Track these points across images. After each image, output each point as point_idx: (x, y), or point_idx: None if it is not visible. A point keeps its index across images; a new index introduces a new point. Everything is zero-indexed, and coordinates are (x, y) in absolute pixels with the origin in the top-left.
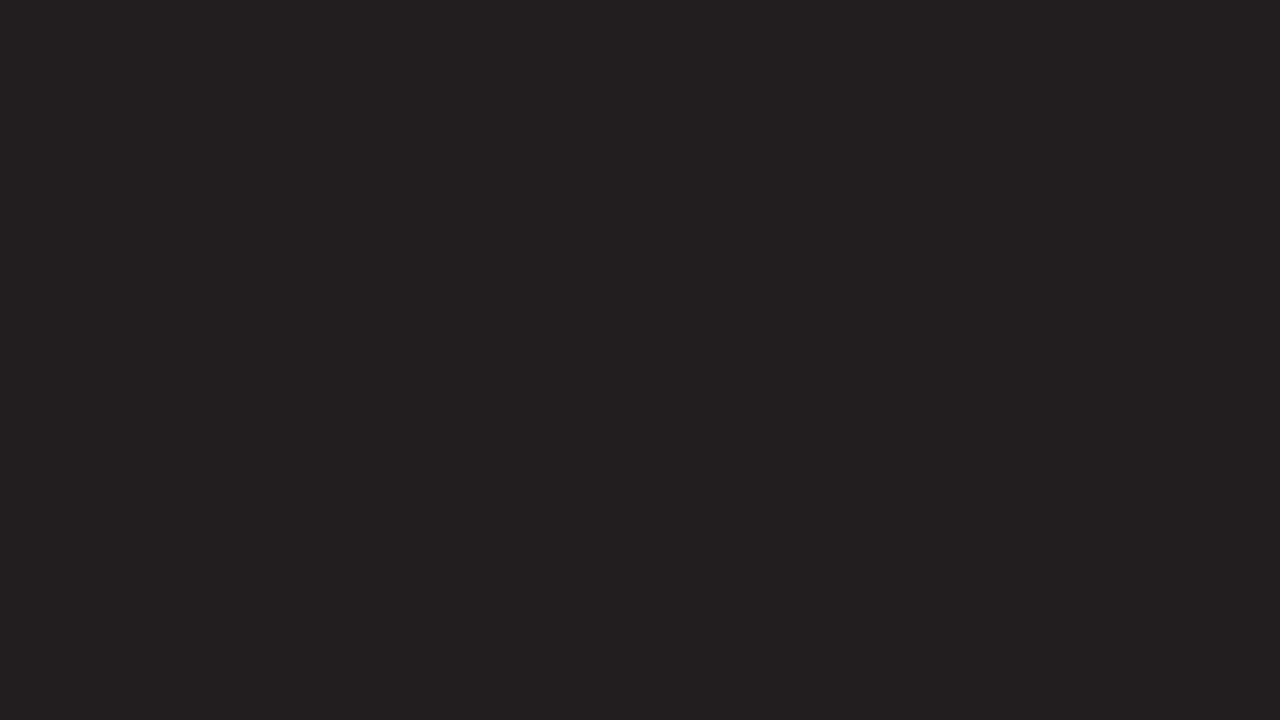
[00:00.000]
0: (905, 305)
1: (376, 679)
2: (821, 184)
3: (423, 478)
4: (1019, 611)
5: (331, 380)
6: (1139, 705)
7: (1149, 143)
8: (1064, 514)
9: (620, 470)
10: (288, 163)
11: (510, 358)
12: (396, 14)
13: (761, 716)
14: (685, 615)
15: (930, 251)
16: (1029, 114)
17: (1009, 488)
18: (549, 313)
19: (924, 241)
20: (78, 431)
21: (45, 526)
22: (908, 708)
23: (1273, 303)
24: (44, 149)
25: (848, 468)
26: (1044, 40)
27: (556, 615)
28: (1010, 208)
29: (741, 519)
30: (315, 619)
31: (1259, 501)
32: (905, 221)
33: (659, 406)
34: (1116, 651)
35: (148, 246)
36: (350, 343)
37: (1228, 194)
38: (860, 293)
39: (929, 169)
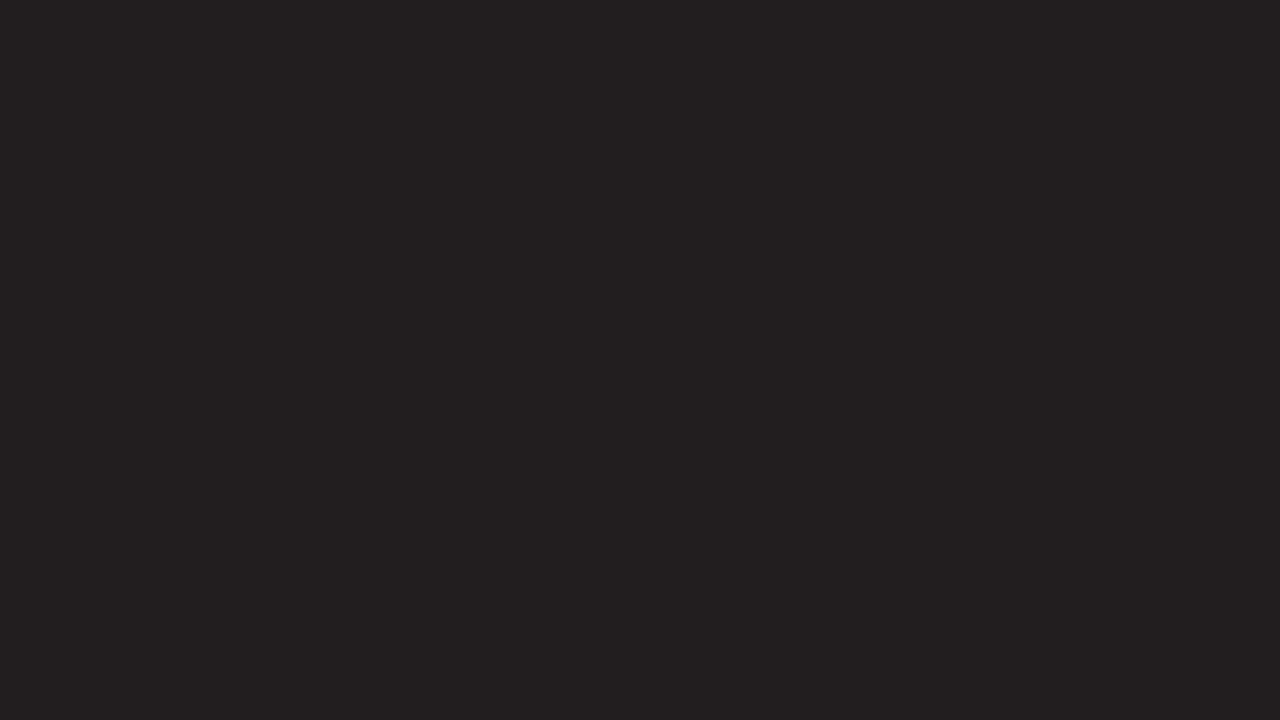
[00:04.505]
0: (905, 305)
1: (376, 679)
2: (821, 184)
3: (423, 478)
4: (1019, 611)
5: (331, 380)
6: (1139, 705)
7: (1149, 143)
8: (1064, 514)
9: (621, 470)
10: (288, 163)
11: (510, 358)
12: (396, 14)
13: (761, 716)
14: (686, 615)
15: (930, 252)
16: (1029, 114)
17: (1009, 488)
18: (549, 313)
19: (924, 242)
20: (78, 431)
21: (45, 526)
22: (908, 708)
23: (1273, 303)
24: (44, 149)
25: (847, 468)
26: (1044, 40)
27: (557, 615)
28: (1010, 208)
29: (742, 519)
30: (315, 619)
31: (1259, 501)
32: (905, 221)
33: (659, 406)
34: (1116, 651)
35: (148, 246)
36: (350, 342)
37: (1228, 194)
38: (860, 293)
39: (929, 169)
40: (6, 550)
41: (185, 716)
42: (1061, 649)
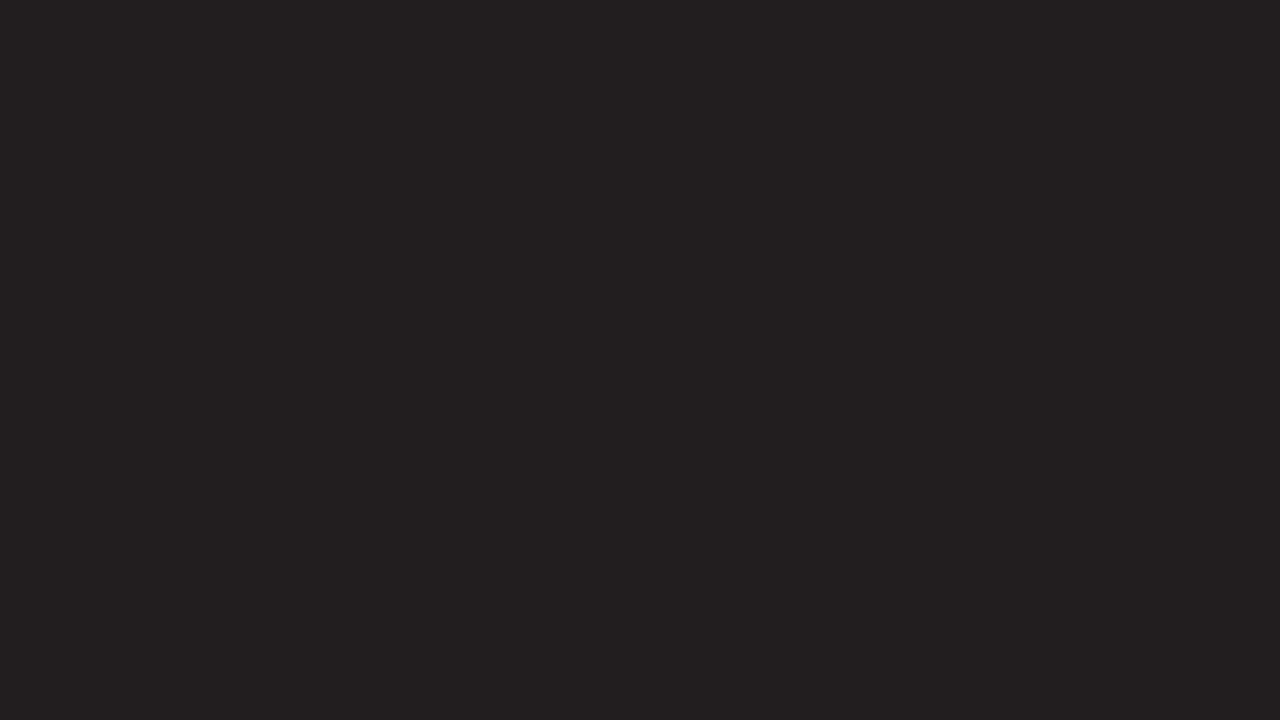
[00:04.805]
0: (905, 306)
1: (376, 679)
2: (821, 184)
3: (423, 478)
4: (1019, 611)
5: (332, 381)
6: (1139, 705)
7: (1149, 143)
8: (1064, 514)
9: (620, 470)
10: (288, 163)
11: (510, 358)
12: (396, 14)
13: (761, 717)
14: (685, 615)
15: (930, 252)
16: (1029, 114)
17: (1009, 488)
18: (549, 313)
19: (924, 242)
20: (78, 432)
21: (45, 527)
22: (908, 708)
23: (1273, 303)
24: (44, 149)
25: (848, 468)
26: (1044, 40)
27: (556, 615)
28: (1010, 208)
29: (741, 519)
30: (315, 619)
31: (1259, 501)
32: (905, 222)
33: (659, 407)
34: (1116, 651)
35: (147, 247)
36: (350, 343)
37: (1228, 194)
38: (860, 293)
39: (929, 169)
40: (6, 550)
41: (185, 716)
42: (1061, 649)
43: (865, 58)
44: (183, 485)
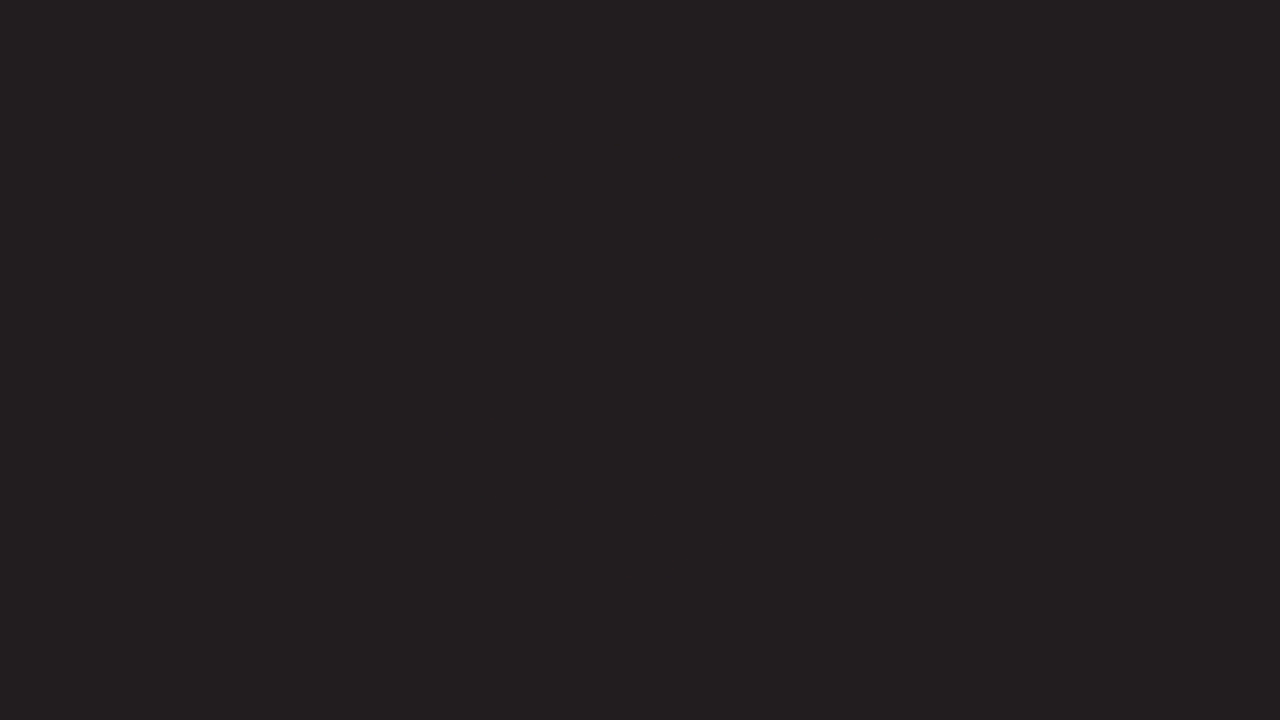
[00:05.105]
0: (906, 305)
1: (376, 679)
2: (822, 184)
3: (423, 478)
4: (1019, 611)
5: (332, 380)
6: (1139, 705)
7: (1149, 143)
8: (1064, 514)
9: (620, 471)
10: (288, 163)
11: (510, 358)
12: (396, 14)
13: (761, 717)
14: (685, 615)
15: (930, 252)
16: (1029, 114)
17: (1009, 488)
18: (549, 313)
19: (924, 242)
20: (78, 432)
21: (45, 527)
22: (908, 708)
23: (1273, 303)
24: (44, 149)
25: (848, 468)
26: (1044, 40)
27: (556, 615)
28: (1010, 208)
29: (741, 519)
30: (315, 619)
31: (1259, 501)
32: (905, 222)
33: (659, 407)
34: (1116, 651)
35: (147, 247)
36: (351, 343)
37: (1228, 194)
38: (860, 293)
39: (929, 169)
40: (6, 550)
41: (185, 716)
42: (1061, 649)
43: (865, 58)
44: (183, 485)
